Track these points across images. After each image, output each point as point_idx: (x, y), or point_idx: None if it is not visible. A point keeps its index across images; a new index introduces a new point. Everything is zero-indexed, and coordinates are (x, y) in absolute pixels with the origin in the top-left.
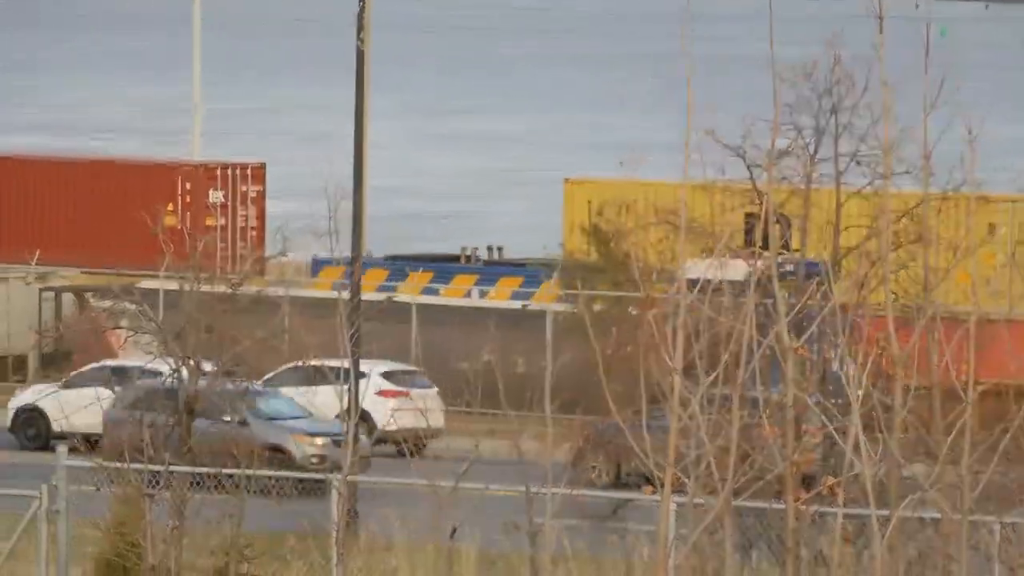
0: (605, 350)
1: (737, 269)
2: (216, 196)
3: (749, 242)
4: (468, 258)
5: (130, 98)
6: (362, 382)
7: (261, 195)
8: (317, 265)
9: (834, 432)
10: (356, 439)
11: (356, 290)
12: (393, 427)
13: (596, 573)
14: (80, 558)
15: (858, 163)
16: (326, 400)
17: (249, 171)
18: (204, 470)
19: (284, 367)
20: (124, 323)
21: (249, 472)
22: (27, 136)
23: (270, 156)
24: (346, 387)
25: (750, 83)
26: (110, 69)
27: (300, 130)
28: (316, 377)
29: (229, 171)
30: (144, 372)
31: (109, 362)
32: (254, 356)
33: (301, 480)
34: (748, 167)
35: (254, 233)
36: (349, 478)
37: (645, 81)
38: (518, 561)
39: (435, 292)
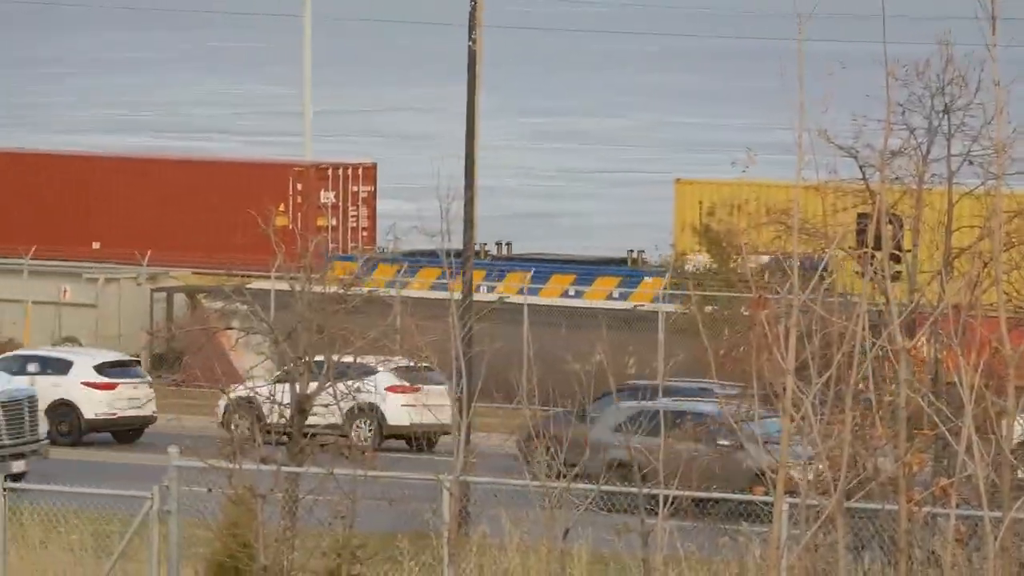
0: (717, 351)
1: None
2: (327, 196)
3: (861, 242)
4: (477, 253)
5: (232, 97)
6: (373, 378)
7: (372, 195)
8: (328, 260)
9: (947, 433)
10: (468, 440)
11: (468, 290)
12: (405, 423)
13: (708, 574)
14: (192, 558)
15: (971, 163)
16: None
17: (360, 171)
18: (315, 471)
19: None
20: (235, 324)
21: (361, 473)
22: (127, 135)
23: (380, 156)
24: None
25: (862, 82)
26: (214, 68)
27: (410, 130)
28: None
29: (340, 171)
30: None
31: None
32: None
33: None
34: (860, 167)
35: (365, 233)
36: (461, 478)
37: (756, 79)
38: (631, 562)
39: (443, 288)
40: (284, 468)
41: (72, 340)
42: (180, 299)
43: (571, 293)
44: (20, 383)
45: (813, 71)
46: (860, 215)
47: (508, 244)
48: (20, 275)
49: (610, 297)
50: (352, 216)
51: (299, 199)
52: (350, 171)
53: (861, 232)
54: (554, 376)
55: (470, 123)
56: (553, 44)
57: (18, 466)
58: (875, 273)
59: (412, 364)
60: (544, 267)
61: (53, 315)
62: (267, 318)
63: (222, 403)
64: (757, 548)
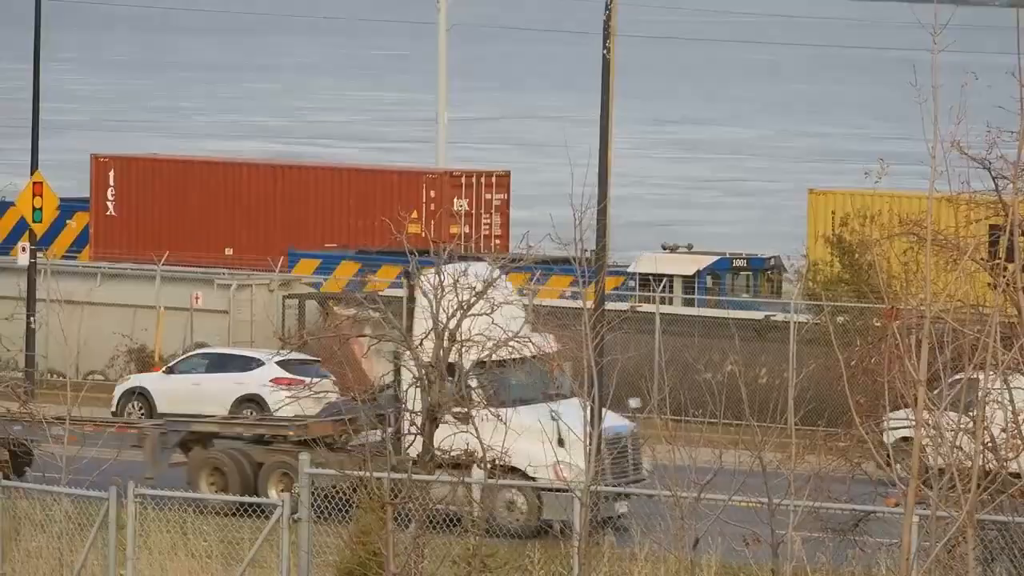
0: (849, 361)
1: (688, 263)
2: (460, 204)
3: (993, 254)
4: (437, 252)
5: (365, 103)
6: (258, 370)
7: (506, 203)
8: (293, 258)
9: None
10: (598, 450)
11: (601, 299)
12: (288, 414)
13: None
14: (321, 566)
15: None
16: (223, 387)
17: (494, 179)
18: (446, 480)
19: (191, 353)
20: (368, 331)
21: (492, 481)
22: (257, 141)
23: (511, 163)
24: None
25: (996, 94)
26: (347, 74)
27: (541, 138)
28: (219, 364)
29: (474, 179)
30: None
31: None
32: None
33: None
34: (993, 179)
35: (498, 241)
36: (592, 487)
37: (888, 89)
38: (760, 573)
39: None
40: (415, 476)
41: (203, 346)
42: (312, 305)
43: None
44: (615, 420)
45: (946, 82)
46: (992, 227)
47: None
48: (153, 281)
49: (562, 296)
50: (485, 224)
51: (432, 206)
52: (484, 179)
53: (993, 244)
54: (686, 385)
55: (604, 132)
56: (685, 54)
57: (620, 507)
58: (1007, 285)
59: (299, 357)
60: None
61: (185, 321)
62: (399, 325)
63: (117, 391)
64: (886, 560)
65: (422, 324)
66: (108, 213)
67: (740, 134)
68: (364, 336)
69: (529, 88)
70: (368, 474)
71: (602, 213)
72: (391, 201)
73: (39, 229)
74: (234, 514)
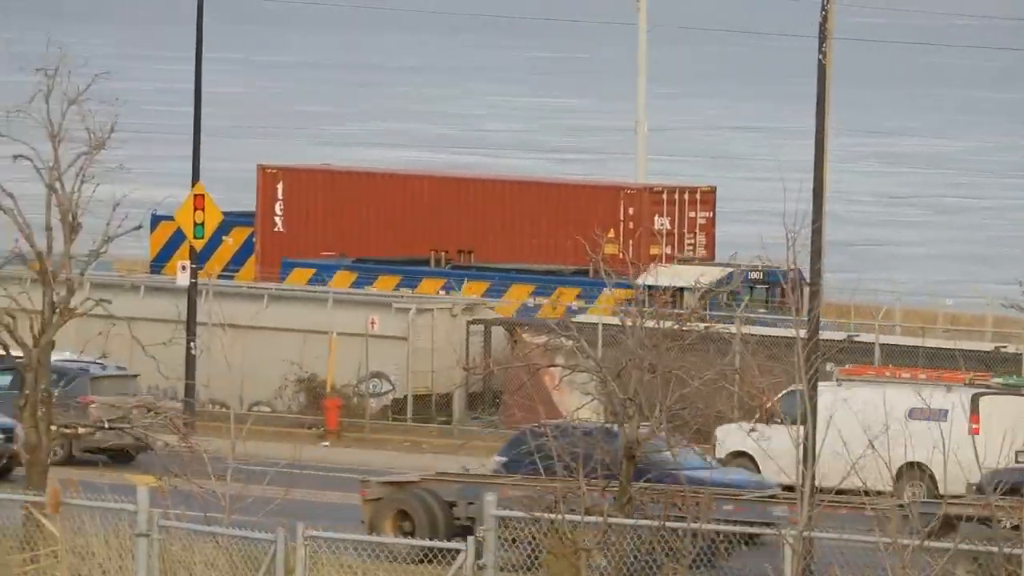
0: None
1: (699, 275)
2: (661, 222)
3: None
4: (438, 261)
5: (553, 112)
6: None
7: (711, 221)
8: (286, 267)
9: None
10: (813, 492)
11: (815, 329)
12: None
13: None
14: None
15: None
16: None
17: (698, 195)
18: (645, 523)
19: None
20: (559, 360)
21: (695, 527)
22: (411, 150)
23: (711, 176)
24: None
25: None
26: (533, 79)
27: (743, 150)
28: None
29: (676, 195)
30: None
31: None
32: (703, 398)
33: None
34: None
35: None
36: (805, 534)
37: None
38: None
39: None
40: (611, 519)
41: (381, 376)
42: (499, 332)
43: (530, 304)
44: None
45: None
46: None
47: (469, 252)
48: (325, 304)
49: (569, 309)
50: (688, 244)
51: (631, 224)
52: (687, 195)
53: None
54: None
55: (819, 144)
56: (894, 58)
57: None
58: None
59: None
60: (504, 276)
61: (360, 348)
62: (594, 355)
63: None
64: None
65: None
66: (276, 229)
67: (952, 146)
68: (556, 366)
69: (734, 96)
70: (560, 516)
71: (817, 233)
72: (585, 218)
73: (199, 246)
74: (422, 561)
